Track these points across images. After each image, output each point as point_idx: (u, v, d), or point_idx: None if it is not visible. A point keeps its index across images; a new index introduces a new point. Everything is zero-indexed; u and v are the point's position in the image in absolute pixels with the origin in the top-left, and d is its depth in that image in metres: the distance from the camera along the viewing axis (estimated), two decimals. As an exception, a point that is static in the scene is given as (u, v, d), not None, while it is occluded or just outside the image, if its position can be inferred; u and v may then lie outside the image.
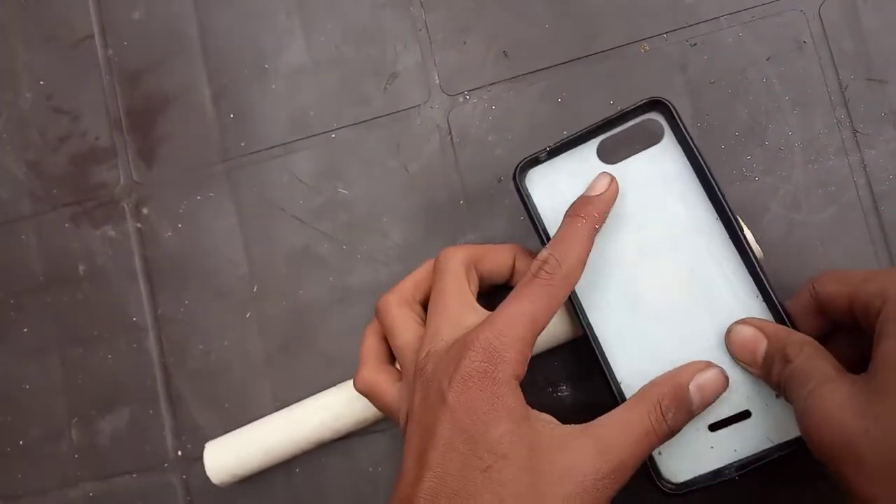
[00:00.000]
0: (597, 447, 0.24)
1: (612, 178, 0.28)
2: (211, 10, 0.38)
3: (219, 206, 0.37)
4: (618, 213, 0.29)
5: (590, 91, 0.34)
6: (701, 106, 0.33)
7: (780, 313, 0.27)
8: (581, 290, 0.28)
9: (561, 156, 0.30)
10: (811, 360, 0.24)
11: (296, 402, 0.34)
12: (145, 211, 0.38)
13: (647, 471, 0.27)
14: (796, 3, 0.33)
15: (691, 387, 0.26)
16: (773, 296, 0.27)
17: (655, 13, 0.34)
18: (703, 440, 0.27)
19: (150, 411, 0.36)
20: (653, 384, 0.26)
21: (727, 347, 0.27)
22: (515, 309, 0.26)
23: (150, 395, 0.37)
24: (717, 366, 0.27)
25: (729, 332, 0.27)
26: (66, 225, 0.38)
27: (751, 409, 0.27)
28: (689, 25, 0.34)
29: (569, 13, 0.35)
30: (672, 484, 0.27)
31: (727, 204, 0.27)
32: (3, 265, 0.39)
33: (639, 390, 0.26)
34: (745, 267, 0.28)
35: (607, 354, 0.28)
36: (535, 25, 0.35)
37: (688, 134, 0.28)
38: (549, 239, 0.28)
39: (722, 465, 0.27)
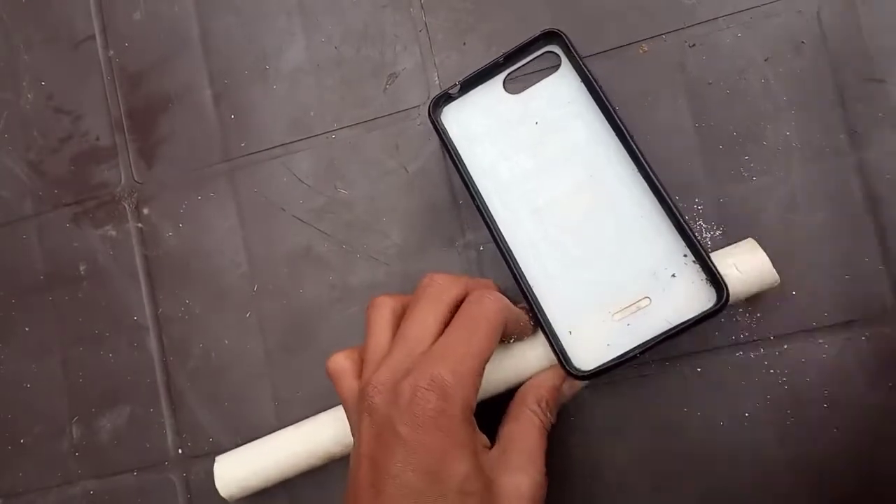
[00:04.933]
0: (519, 462, 0.27)
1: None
2: (212, 10, 0.38)
3: (219, 206, 0.37)
4: (522, 137, 0.32)
5: (589, 91, 0.34)
6: (699, 106, 0.33)
7: (672, 210, 0.30)
8: (494, 209, 0.32)
9: (471, 91, 0.33)
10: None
11: (296, 401, 0.35)
12: (146, 211, 0.38)
13: (559, 361, 0.29)
14: (795, 3, 0.33)
15: (565, 386, 0.30)
16: (665, 195, 0.30)
17: (654, 14, 0.34)
18: (609, 329, 0.30)
19: (151, 410, 0.37)
20: (532, 388, 0.30)
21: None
22: (463, 342, 0.26)
23: (150, 394, 0.37)
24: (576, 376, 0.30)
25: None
26: (68, 225, 0.39)
27: (649, 297, 0.30)
28: (688, 26, 0.34)
29: (568, 14, 0.35)
30: (584, 371, 0.29)
31: (620, 119, 0.31)
32: (4, 265, 0.39)
33: (519, 396, 0.30)
34: (639, 173, 0.31)
35: (520, 263, 0.31)
36: (534, 26, 0.35)
37: (581, 60, 0.32)
38: (465, 170, 0.32)
39: (627, 349, 0.29)
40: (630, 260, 0.30)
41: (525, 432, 0.28)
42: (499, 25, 0.36)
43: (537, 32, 0.32)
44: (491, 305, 0.27)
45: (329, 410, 0.33)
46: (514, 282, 0.30)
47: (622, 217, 0.31)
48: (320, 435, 0.32)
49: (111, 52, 0.39)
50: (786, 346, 0.31)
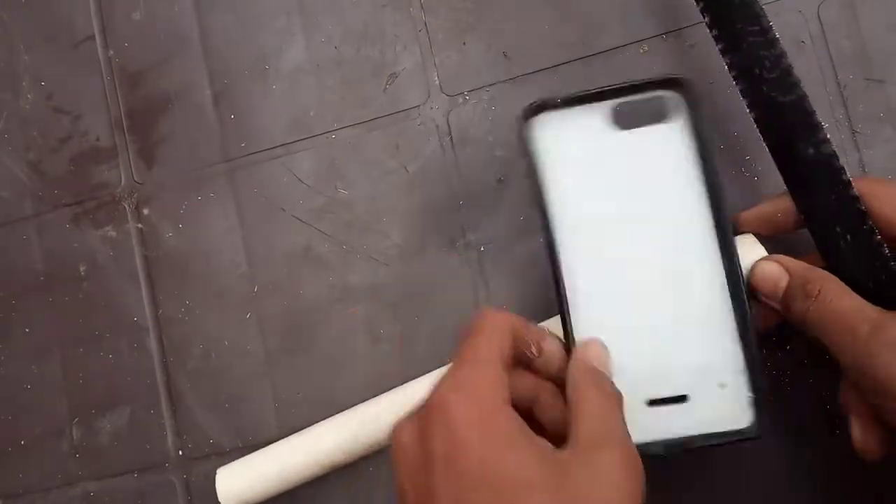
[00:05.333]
0: (596, 438, 0.24)
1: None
2: (211, 10, 0.38)
3: (219, 207, 0.37)
4: (613, 179, 0.29)
5: (589, 91, 0.34)
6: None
7: (744, 319, 0.27)
8: (561, 243, 0.29)
9: (573, 109, 0.29)
10: (839, 299, 0.25)
11: (296, 401, 0.34)
12: (146, 211, 0.38)
13: None
14: (795, 3, 0.33)
15: (596, 364, 0.27)
16: (744, 300, 0.27)
17: (655, 14, 0.34)
18: (638, 413, 0.27)
19: (151, 411, 0.37)
20: (573, 384, 0.26)
21: (752, 281, 0.28)
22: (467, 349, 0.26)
23: (150, 395, 0.37)
24: (592, 339, 0.28)
25: (754, 268, 0.28)
26: (67, 225, 0.39)
27: (689, 395, 0.27)
28: (688, 26, 0.34)
29: (569, 14, 0.35)
30: None
31: (721, 196, 0.28)
32: (4, 265, 0.39)
33: (569, 394, 0.26)
34: (722, 263, 0.28)
35: (570, 308, 0.28)
36: (535, 26, 0.35)
37: (702, 121, 0.28)
38: (541, 189, 0.29)
39: (650, 440, 0.27)
40: (683, 350, 0.28)
41: (593, 410, 0.25)
42: (499, 25, 0.36)
43: (667, 74, 0.28)
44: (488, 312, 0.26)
45: (330, 418, 0.33)
46: (561, 325, 0.28)
47: (690, 303, 0.28)
48: (324, 443, 0.32)
49: (111, 52, 0.39)
50: (787, 347, 0.31)
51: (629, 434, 0.24)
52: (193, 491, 0.36)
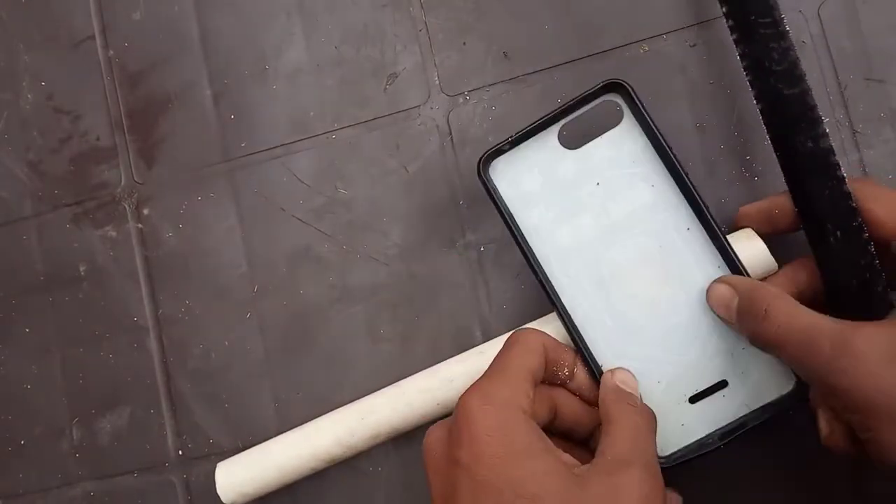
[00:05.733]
0: (619, 454, 0.24)
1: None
2: (211, 10, 0.38)
3: (219, 207, 0.37)
4: (582, 198, 0.29)
5: (589, 91, 0.34)
6: (700, 106, 0.33)
7: None
8: (553, 276, 0.29)
9: (524, 144, 0.30)
10: (792, 316, 0.24)
11: (296, 402, 0.34)
12: (146, 211, 0.38)
13: None
14: (795, 3, 0.33)
15: (622, 387, 0.27)
16: (740, 266, 0.28)
17: (655, 14, 0.34)
18: (684, 413, 0.28)
19: (151, 411, 0.37)
20: (603, 401, 0.27)
21: (708, 304, 0.28)
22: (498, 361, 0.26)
23: (150, 395, 0.37)
24: (619, 368, 0.28)
25: (709, 289, 0.28)
26: (67, 225, 0.39)
27: (727, 379, 0.28)
28: (689, 26, 0.34)
29: (569, 14, 0.35)
30: (660, 458, 0.27)
31: (690, 180, 0.28)
32: (4, 265, 0.39)
33: (603, 404, 0.27)
34: (711, 242, 0.28)
35: (585, 338, 0.29)
36: (535, 26, 0.35)
37: (647, 114, 0.28)
38: (516, 229, 0.29)
39: (704, 434, 0.28)
40: (706, 339, 0.28)
41: (623, 429, 0.25)
42: (499, 25, 0.35)
43: (599, 83, 0.28)
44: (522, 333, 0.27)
45: (329, 413, 0.33)
46: (582, 359, 0.28)
47: (695, 291, 0.28)
48: (323, 437, 0.32)
49: (111, 52, 0.39)
50: (787, 346, 0.31)
51: (657, 458, 0.25)
52: (193, 491, 0.36)
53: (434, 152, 0.35)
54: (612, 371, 0.28)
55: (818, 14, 0.33)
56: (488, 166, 0.30)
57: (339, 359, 0.35)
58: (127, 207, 0.38)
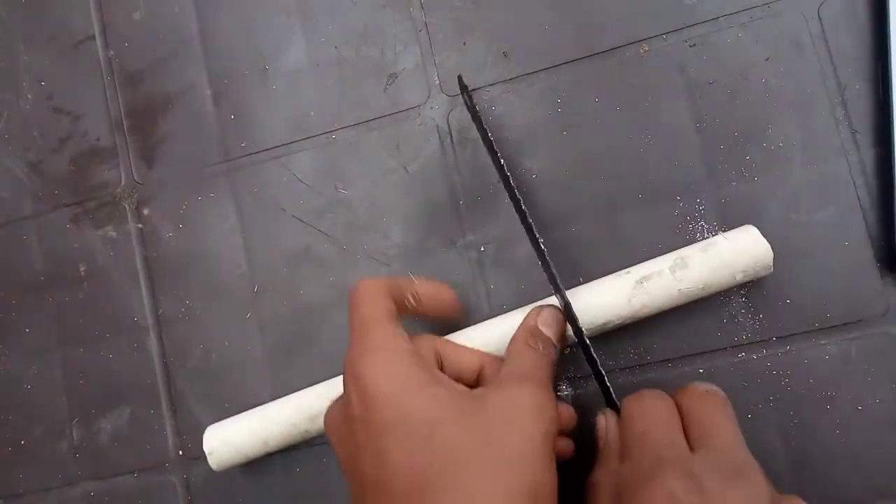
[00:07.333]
0: (514, 376, 0.26)
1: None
2: (211, 10, 0.38)
3: (219, 207, 0.37)
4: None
5: (590, 91, 0.34)
6: (700, 106, 0.33)
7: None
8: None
9: None
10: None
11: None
12: (146, 211, 0.38)
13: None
14: (795, 3, 0.33)
15: (539, 325, 0.28)
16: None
17: (655, 14, 0.34)
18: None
19: (151, 411, 0.37)
20: (513, 338, 0.29)
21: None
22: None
23: (150, 395, 0.37)
24: (549, 305, 0.29)
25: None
26: (68, 225, 0.39)
27: None
28: (689, 26, 0.34)
29: (569, 14, 0.35)
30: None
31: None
32: (4, 265, 0.39)
33: (507, 347, 0.28)
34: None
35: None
36: (535, 26, 0.35)
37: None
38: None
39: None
40: None
41: (521, 358, 0.27)
42: (499, 25, 0.35)
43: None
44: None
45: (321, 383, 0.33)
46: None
47: None
48: (314, 404, 0.32)
49: (111, 52, 0.39)
50: (788, 347, 0.31)
51: (551, 386, 0.26)
52: (193, 491, 0.36)
53: (434, 152, 0.35)
54: (539, 308, 0.29)
55: (818, 14, 0.33)
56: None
57: (339, 359, 0.35)
58: (127, 207, 0.38)
